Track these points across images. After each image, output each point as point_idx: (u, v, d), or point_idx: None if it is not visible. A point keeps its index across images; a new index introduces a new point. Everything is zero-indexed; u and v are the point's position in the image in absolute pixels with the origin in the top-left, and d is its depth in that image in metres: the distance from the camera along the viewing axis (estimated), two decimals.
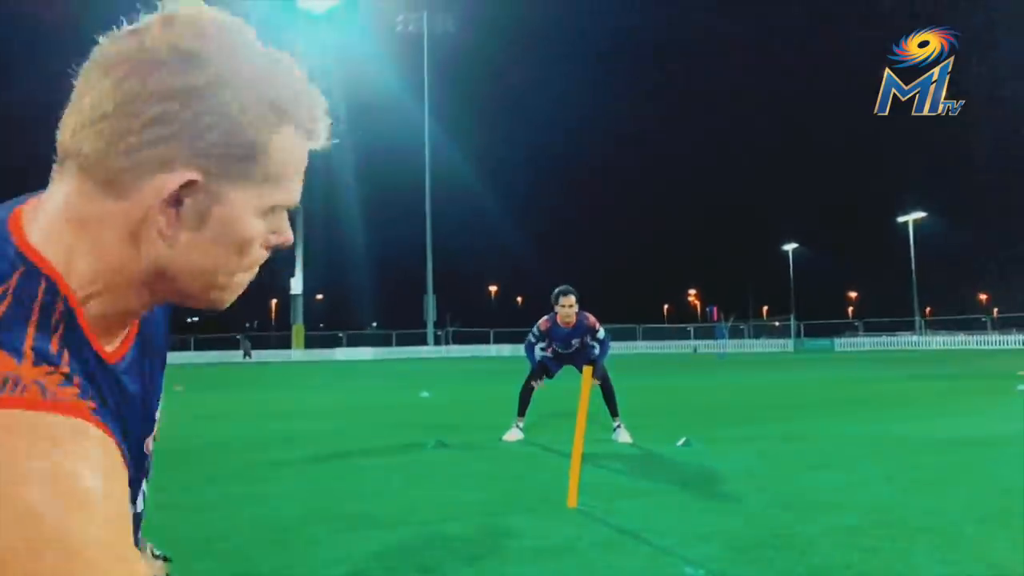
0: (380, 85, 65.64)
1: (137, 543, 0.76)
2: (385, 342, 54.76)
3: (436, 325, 55.15)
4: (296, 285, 50.09)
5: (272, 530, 3.88)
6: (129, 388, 0.75)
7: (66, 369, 0.63)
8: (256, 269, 0.77)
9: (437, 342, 54.32)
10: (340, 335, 56.37)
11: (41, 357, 0.61)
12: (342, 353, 48.79)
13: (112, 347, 0.73)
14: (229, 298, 0.76)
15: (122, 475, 0.63)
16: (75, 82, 0.68)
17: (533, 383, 7.24)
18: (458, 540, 3.68)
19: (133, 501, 0.73)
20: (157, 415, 0.85)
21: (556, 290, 7.04)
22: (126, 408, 0.74)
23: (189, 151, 0.65)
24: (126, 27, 0.69)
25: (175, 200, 0.66)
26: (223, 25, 0.69)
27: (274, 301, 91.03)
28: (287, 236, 0.76)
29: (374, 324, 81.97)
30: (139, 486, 0.80)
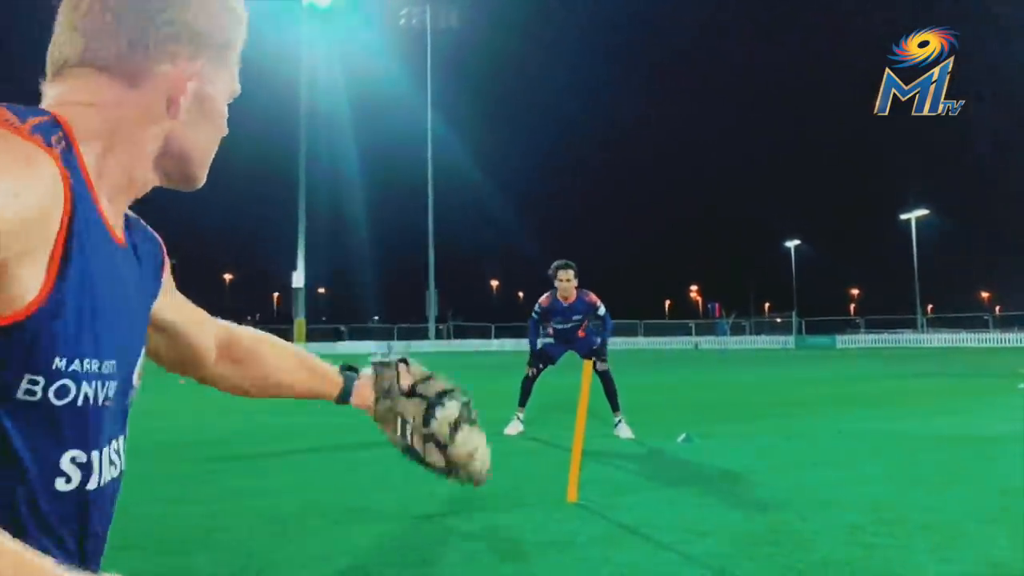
0: (383, 79, 65.53)
1: (103, 441, 0.81)
2: (387, 336, 54.75)
3: (438, 319, 55.16)
4: (298, 279, 49.95)
5: (272, 522, 3.88)
6: (128, 275, 0.84)
7: (58, 160, 0.72)
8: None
9: (439, 336, 54.33)
10: (342, 329, 56.44)
11: (38, 131, 0.71)
12: (344, 347, 48.84)
13: (117, 230, 0.83)
14: (205, 176, 0.92)
15: (38, 206, 0.68)
16: (62, 10, 0.82)
17: (530, 372, 7.23)
18: (458, 534, 3.68)
19: (115, 392, 0.81)
20: (142, 350, 0.90)
21: (554, 264, 7.05)
22: (125, 293, 0.82)
23: (190, 45, 0.83)
24: None
25: (183, 86, 0.83)
26: None
27: (276, 294, 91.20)
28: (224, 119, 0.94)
29: (376, 318, 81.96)
30: (109, 430, 0.82)
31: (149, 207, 0.91)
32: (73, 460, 0.76)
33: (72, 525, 0.77)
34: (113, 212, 0.82)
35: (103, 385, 0.77)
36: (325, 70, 55.53)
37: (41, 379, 0.71)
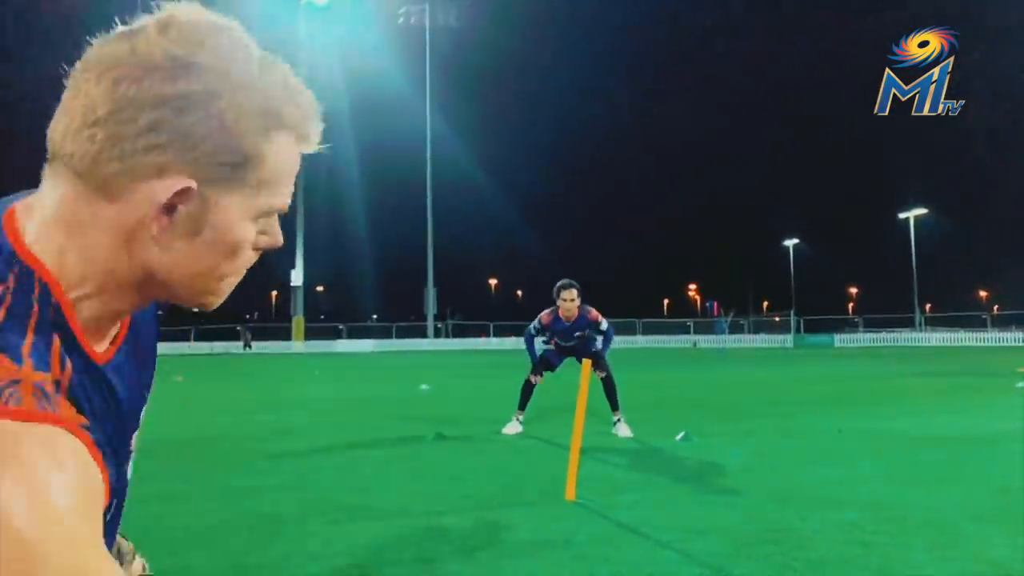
0: (382, 78, 65.51)
1: (110, 547, 0.75)
2: (385, 334, 54.76)
3: (436, 318, 55.20)
4: (297, 277, 50.03)
5: (270, 521, 3.88)
6: (117, 388, 0.75)
7: (59, 375, 0.64)
8: (244, 271, 0.77)
9: (437, 335, 54.36)
10: (340, 327, 56.41)
11: (39, 362, 0.62)
12: (342, 345, 48.86)
13: (102, 347, 0.73)
14: (218, 300, 0.77)
15: (99, 491, 0.64)
16: (66, 81, 0.68)
17: (533, 379, 7.22)
18: (456, 532, 3.68)
19: (114, 507, 0.74)
20: (143, 414, 0.86)
21: (558, 284, 7.01)
22: (113, 408, 0.74)
23: (183, 159, 0.65)
24: (120, 29, 0.68)
25: (169, 206, 0.66)
26: (219, 31, 0.68)
27: (275, 292, 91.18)
28: (277, 239, 0.77)
29: (374, 316, 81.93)
30: (122, 494, 0.79)
31: None
32: None
33: None
34: (102, 330, 0.73)
35: (115, 500, 0.74)
36: (323, 68, 55.51)
37: None
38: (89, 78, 0.66)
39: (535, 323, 7.17)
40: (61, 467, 0.59)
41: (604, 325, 7.09)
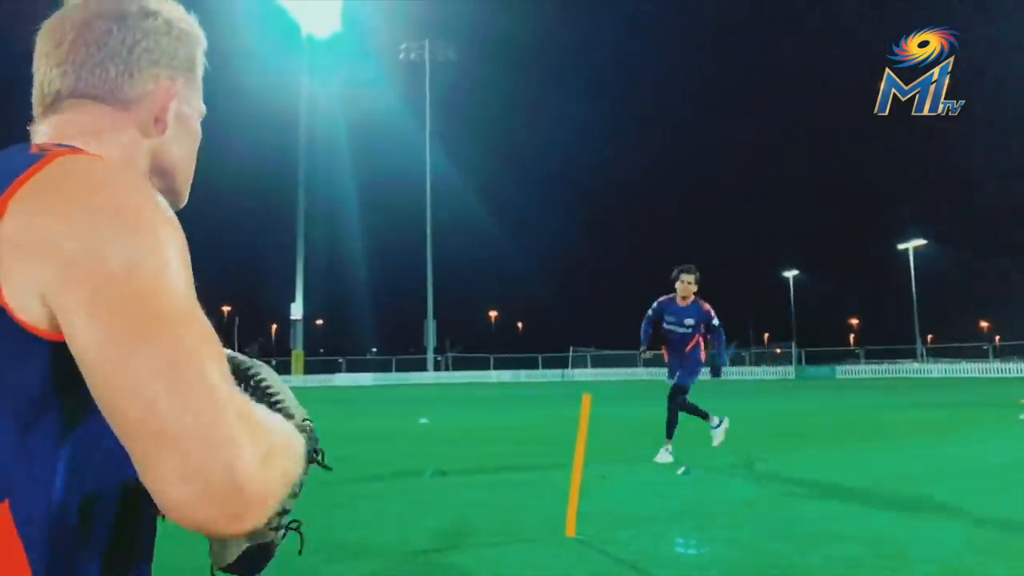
0: (382, 112, 66.23)
1: None
2: (385, 368, 54.59)
3: (436, 351, 55.05)
4: (296, 310, 50.01)
5: None
6: None
7: None
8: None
9: (437, 368, 54.17)
10: (340, 360, 56.24)
11: None
12: (342, 379, 48.63)
13: None
14: (188, 191, 1.00)
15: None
16: (38, 39, 0.89)
17: (642, 350, 7.60)
18: (455, 570, 3.64)
19: None
20: None
21: (677, 268, 7.43)
22: None
23: (167, 67, 0.91)
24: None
25: (165, 107, 0.91)
26: None
27: (274, 326, 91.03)
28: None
29: (374, 350, 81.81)
30: None
31: None
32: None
33: None
34: None
35: None
36: (324, 102, 56.15)
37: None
38: (74, 34, 0.87)
39: (654, 304, 7.56)
40: (167, 217, 0.76)
41: (716, 321, 7.33)
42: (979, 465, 6.72)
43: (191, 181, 1.00)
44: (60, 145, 0.80)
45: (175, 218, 0.77)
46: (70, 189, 0.71)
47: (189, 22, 0.97)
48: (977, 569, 3.50)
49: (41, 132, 0.87)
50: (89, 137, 0.85)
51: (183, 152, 0.95)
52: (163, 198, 0.83)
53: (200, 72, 0.98)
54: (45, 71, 0.88)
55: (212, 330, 0.75)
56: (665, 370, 7.81)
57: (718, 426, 7.41)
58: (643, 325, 7.71)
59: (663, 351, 7.72)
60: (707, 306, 7.39)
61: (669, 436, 7.16)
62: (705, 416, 7.45)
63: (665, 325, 7.53)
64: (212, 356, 0.72)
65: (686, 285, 7.29)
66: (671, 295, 7.47)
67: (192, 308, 0.73)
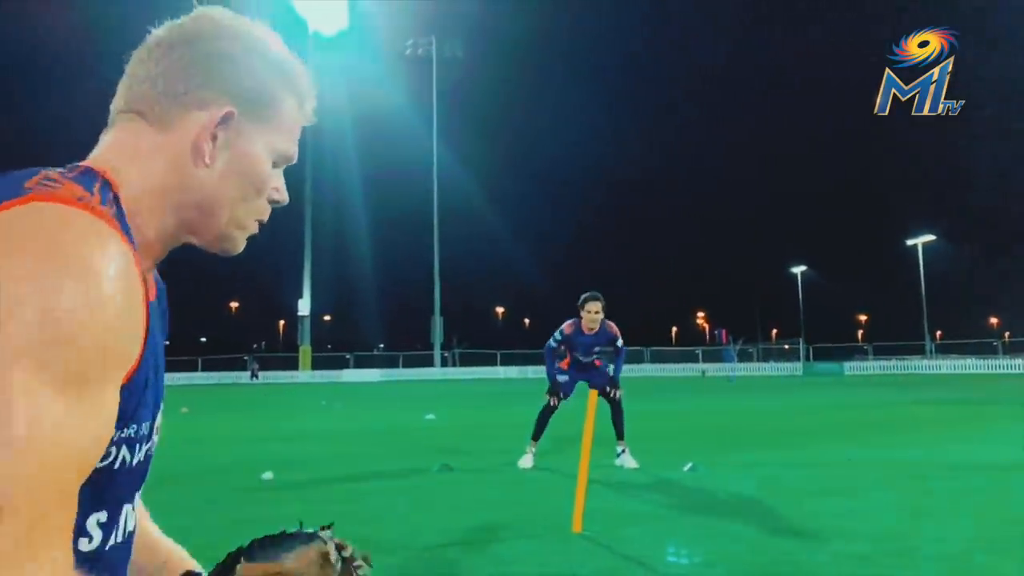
0: (389, 108, 66.25)
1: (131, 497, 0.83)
2: (392, 364, 54.72)
3: (443, 347, 55.14)
4: (304, 306, 50.21)
5: None
6: (156, 333, 0.80)
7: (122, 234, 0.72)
8: (262, 220, 0.91)
9: (444, 364, 54.24)
10: (347, 356, 56.39)
11: (104, 202, 0.72)
12: (349, 375, 48.76)
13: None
14: (242, 241, 0.90)
15: (137, 325, 0.71)
16: (126, 67, 0.85)
17: (552, 401, 7.14)
18: (462, 566, 3.64)
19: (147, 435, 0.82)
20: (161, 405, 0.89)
21: (583, 296, 6.99)
22: (156, 350, 0.80)
23: (223, 93, 0.83)
24: (169, 22, 0.86)
25: (212, 133, 0.82)
26: (241, 18, 0.88)
27: (282, 322, 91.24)
28: (284, 196, 0.92)
29: (381, 346, 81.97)
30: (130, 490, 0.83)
31: None
32: (98, 521, 0.76)
33: None
34: (147, 266, 0.82)
35: (138, 447, 0.79)
36: (330, 99, 56.17)
37: None
38: (150, 51, 0.84)
39: (556, 334, 7.08)
40: (106, 256, 0.66)
41: (620, 341, 7.08)
42: (989, 461, 6.68)
43: (248, 229, 0.89)
44: (70, 176, 0.72)
45: (129, 291, 0.67)
46: (16, 237, 0.64)
47: (279, 57, 0.88)
48: (986, 567, 3.47)
49: (99, 143, 0.84)
50: (123, 159, 0.80)
51: (231, 192, 0.85)
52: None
53: (282, 112, 0.87)
54: (120, 84, 0.85)
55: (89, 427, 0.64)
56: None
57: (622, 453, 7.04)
58: (547, 361, 7.20)
59: (567, 361, 7.24)
60: (613, 328, 7.00)
61: (620, 436, 6.94)
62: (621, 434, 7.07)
63: (575, 355, 7.15)
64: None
65: (592, 315, 6.88)
66: (575, 320, 7.03)
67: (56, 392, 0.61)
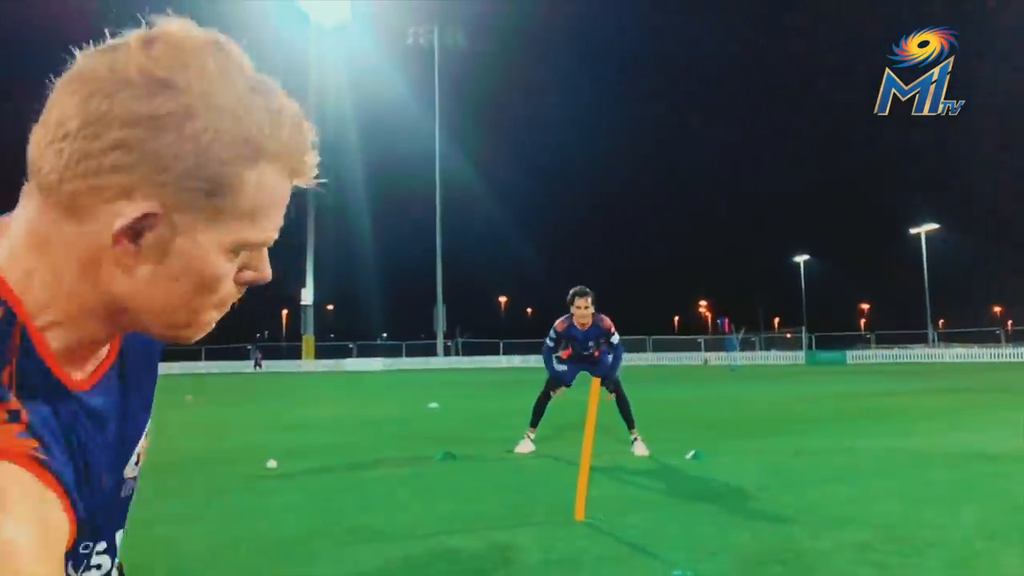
0: (391, 97, 66.08)
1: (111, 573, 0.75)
2: (395, 353, 54.83)
3: (446, 336, 55.25)
4: (307, 296, 50.25)
5: (277, 543, 3.87)
6: (103, 414, 0.72)
7: (15, 405, 0.60)
8: (228, 306, 0.73)
9: (447, 353, 54.36)
10: (350, 346, 56.52)
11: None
12: (352, 364, 48.89)
13: (82, 373, 0.70)
14: (195, 335, 0.72)
15: (58, 527, 0.61)
16: (49, 95, 0.64)
17: (551, 392, 7.20)
18: (464, 554, 3.66)
19: (85, 541, 0.71)
20: (141, 441, 0.82)
21: (572, 291, 7.02)
22: (96, 436, 0.71)
23: (151, 182, 0.61)
24: (106, 43, 0.64)
25: (134, 231, 0.62)
26: (207, 50, 0.64)
27: (285, 311, 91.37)
28: (264, 274, 0.72)
29: (384, 335, 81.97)
30: (108, 526, 0.76)
31: None
32: None
33: None
34: (79, 357, 0.69)
35: (86, 553, 0.72)
36: (333, 88, 56.05)
37: None
38: (66, 91, 0.62)
39: (551, 333, 7.16)
40: (9, 505, 0.55)
41: (615, 338, 7.08)
42: (991, 450, 6.69)
43: (210, 320, 0.72)
44: None
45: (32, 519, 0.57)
46: None
47: (251, 115, 0.64)
48: (987, 554, 3.49)
49: (15, 212, 0.67)
50: (26, 248, 0.64)
51: (169, 298, 0.66)
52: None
53: (242, 194, 0.65)
54: (34, 128, 0.64)
55: None
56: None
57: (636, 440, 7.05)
58: (547, 359, 7.26)
59: (566, 354, 7.24)
60: (607, 322, 7.01)
61: (631, 426, 6.97)
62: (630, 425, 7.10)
63: (571, 350, 7.15)
64: None
65: (583, 310, 6.91)
66: (567, 317, 7.05)
67: None
